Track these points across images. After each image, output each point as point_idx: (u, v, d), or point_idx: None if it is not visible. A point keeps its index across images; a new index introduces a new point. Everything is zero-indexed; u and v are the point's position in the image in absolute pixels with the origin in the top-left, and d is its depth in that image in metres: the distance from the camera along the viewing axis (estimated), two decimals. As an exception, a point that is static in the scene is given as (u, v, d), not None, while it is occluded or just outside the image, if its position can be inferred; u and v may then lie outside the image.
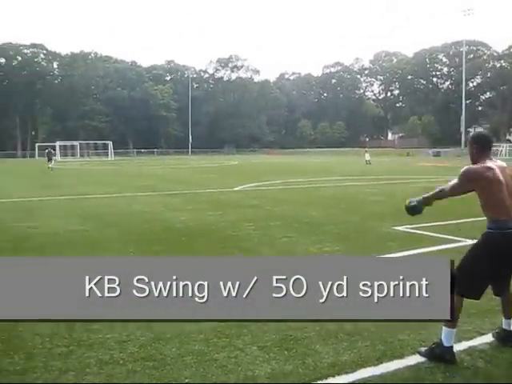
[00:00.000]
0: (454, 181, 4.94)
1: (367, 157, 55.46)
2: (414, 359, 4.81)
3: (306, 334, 5.37)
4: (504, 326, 5.21)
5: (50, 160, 47.58)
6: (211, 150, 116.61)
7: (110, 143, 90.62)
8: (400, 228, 12.00)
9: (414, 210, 5.41)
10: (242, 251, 9.60)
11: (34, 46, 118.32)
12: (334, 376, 4.44)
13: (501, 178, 4.76)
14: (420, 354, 4.86)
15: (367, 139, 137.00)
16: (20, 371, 4.57)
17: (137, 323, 5.69)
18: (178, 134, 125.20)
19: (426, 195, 5.28)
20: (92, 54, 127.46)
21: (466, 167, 4.88)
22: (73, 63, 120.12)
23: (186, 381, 4.37)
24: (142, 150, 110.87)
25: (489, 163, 4.82)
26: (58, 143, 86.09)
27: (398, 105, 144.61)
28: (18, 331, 5.51)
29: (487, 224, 4.86)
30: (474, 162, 4.94)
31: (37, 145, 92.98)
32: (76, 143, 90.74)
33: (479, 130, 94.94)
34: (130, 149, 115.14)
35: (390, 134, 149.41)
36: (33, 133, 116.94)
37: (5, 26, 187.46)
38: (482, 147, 4.94)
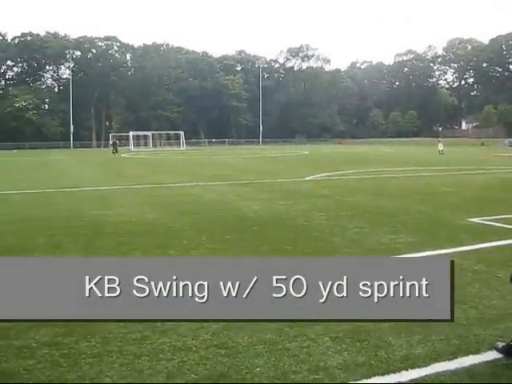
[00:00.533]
0: None
1: (440, 147, 54.26)
2: (491, 355, 4.68)
3: (379, 326, 5.30)
4: None
5: (115, 150, 51.09)
6: (282, 139, 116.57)
7: (182, 133, 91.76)
8: (475, 220, 11.71)
9: None
10: (314, 241, 9.58)
11: (107, 38, 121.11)
12: (406, 369, 4.38)
13: None
14: (497, 349, 4.73)
15: (440, 129, 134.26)
16: (96, 354, 4.71)
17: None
18: (248, 123, 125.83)
19: None
20: (164, 46, 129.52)
21: None
22: (145, 55, 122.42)
23: (258, 369, 4.40)
24: (213, 140, 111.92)
25: None
26: (131, 133, 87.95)
27: (472, 93, 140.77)
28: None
29: None
30: None
31: (111, 135, 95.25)
32: (148, 133, 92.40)
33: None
34: (202, 138, 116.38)
35: (464, 124, 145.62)
36: (107, 123, 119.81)
37: (80, 19, 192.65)
38: None
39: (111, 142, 53.55)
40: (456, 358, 4.61)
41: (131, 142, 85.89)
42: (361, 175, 25.47)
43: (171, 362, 4.56)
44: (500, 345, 4.77)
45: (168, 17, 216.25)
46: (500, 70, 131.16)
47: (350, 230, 10.61)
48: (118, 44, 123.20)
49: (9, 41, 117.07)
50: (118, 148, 59.54)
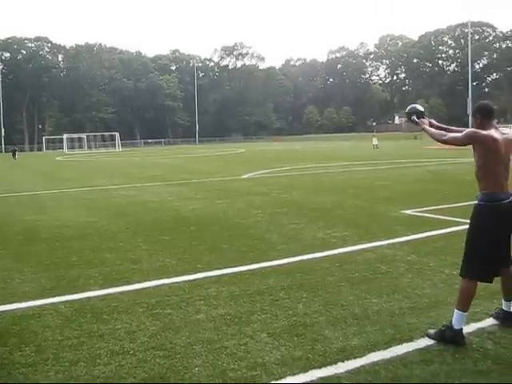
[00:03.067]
0: (458, 134, 4.98)
1: (374, 141, 55.30)
2: (424, 342, 4.80)
3: (315, 320, 5.39)
4: (504, 308, 5.23)
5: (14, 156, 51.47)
6: (218, 138, 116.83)
7: (117, 134, 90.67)
8: (408, 212, 12.00)
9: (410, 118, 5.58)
10: (250, 238, 9.62)
11: (38, 39, 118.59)
12: (343, 361, 4.44)
13: (501, 149, 4.77)
14: (429, 336, 4.87)
15: (374, 123, 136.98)
16: (31, 363, 4.60)
17: (145, 313, 5.75)
18: (184, 123, 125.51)
19: (425, 126, 5.40)
20: (96, 46, 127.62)
21: (472, 129, 4.92)
22: (78, 55, 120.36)
23: (196, 369, 4.38)
24: (149, 141, 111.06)
25: (494, 133, 4.81)
26: (65, 136, 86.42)
27: (404, 88, 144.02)
28: (28, 324, 5.56)
29: (479, 197, 4.90)
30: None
31: (44, 138, 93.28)
32: (83, 135, 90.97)
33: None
34: (137, 139, 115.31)
35: (396, 118, 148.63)
36: (40, 126, 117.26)
37: (9, 19, 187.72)
38: (485, 117, 4.93)
39: (11, 149, 55.57)
40: (390, 347, 4.71)
41: (65, 144, 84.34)
42: (297, 171, 25.70)
43: (108, 366, 4.50)
44: (432, 332, 4.91)
45: (100, 16, 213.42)
46: (430, 65, 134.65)
47: (286, 227, 10.69)
48: (49, 45, 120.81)
49: None
50: (17, 155, 59.59)
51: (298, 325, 5.27)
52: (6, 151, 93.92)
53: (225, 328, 5.26)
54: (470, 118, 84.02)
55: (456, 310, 4.85)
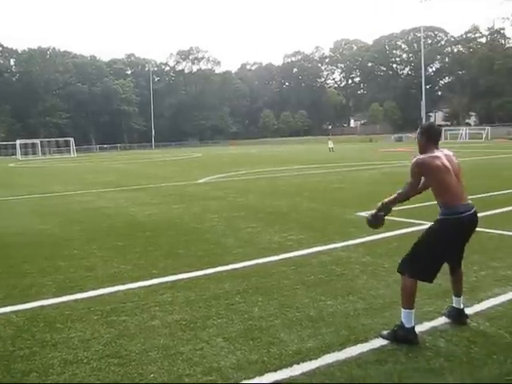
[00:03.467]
0: (407, 181, 5.09)
1: (330, 144, 55.86)
2: (378, 342, 4.87)
3: (271, 323, 5.40)
4: (455, 305, 5.33)
5: None
6: (175, 142, 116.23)
7: (72, 140, 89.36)
8: (363, 214, 12.08)
9: (375, 221, 5.46)
10: (206, 243, 9.59)
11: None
12: (298, 363, 4.47)
13: (448, 165, 4.94)
14: (383, 336, 4.93)
15: (330, 127, 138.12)
16: (-19, 375, 4.50)
17: (99, 320, 5.68)
18: (140, 128, 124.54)
19: (385, 200, 5.37)
20: (50, 50, 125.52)
21: (413, 160, 5.05)
22: (30, 59, 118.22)
23: (152, 375, 4.36)
24: (105, 146, 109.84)
25: (436, 152, 5.00)
26: (18, 142, 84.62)
27: (359, 92, 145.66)
28: (-21, 335, 5.44)
29: (440, 210, 5.02)
30: (421, 151, 5.11)
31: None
32: (37, 141, 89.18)
33: (431, 120, 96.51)
34: (93, 145, 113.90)
35: (352, 121, 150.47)
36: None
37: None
38: (429, 138, 5.09)
39: None
40: (345, 348, 4.75)
41: (18, 150, 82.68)
42: (253, 175, 25.75)
43: (62, 376, 4.44)
44: (385, 332, 4.97)
45: (54, 20, 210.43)
46: (384, 69, 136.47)
47: (242, 231, 10.70)
48: (1, 48, 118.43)
49: None
50: None
51: (254, 328, 5.29)
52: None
53: (180, 333, 5.24)
54: (424, 120, 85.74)
55: (402, 309, 4.93)
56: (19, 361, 4.77)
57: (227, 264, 7.89)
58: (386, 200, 5.35)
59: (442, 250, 4.96)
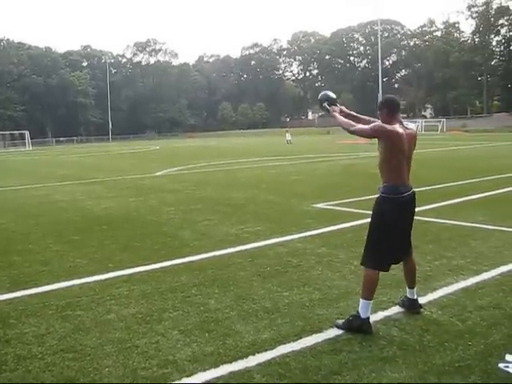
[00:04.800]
0: (365, 126, 5.10)
1: (288, 136, 56.06)
2: (333, 332, 4.93)
3: (227, 315, 5.43)
4: (408, 295, 5.43)
5: None
6: (132, 135, 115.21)
7: (27, 133, 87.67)
8: (319, 205, 12.24)
9: (321, 105, 5.69)
10: (163, 236, 9.55)
11: None
12: (254, 354, 4.50)
13: (404, 145, 4.98)
14: (337, 326, 5.00)
15: (288, 119, 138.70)
16: None
17: (54, 315, 5.62)
18: (97, 120, 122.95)
19: (343, 109, 5.62)
20: (4, 41, 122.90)
21: (378, 122, 5.06)
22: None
23: (107, 370, 4.34)
24: (61, 139, 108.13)
25: (399, 128, 4.99)
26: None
27: (317, 84, 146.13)
28: None
29: (382, 187, 5.09)
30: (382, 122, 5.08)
31: None
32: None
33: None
34: (49, 137, 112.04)
35: (310, 114, 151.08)
36: None
37: None
38: (390, 110, 5.08)
39: None
40: (300, 338, 4.80)
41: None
42: (211, 168, 25.71)
43: (15, 372, 4.38)
44: (340, 322, 5.04)
45: (6, 10, 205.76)
46: (341, 61, 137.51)
47: (199, 223, 10.68)
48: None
49: None
50: None
51: (210, 320, 5.30)
52: None
53: (136, 327, 5.22)
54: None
55: (361, 300, 5.01)
56: (-29, 358, 4.70)
57: (184, 257, 7.88)
58: (336, 114, 5.53)
59: (389, 230, 5.02)
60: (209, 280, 6.65)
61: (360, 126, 5.20)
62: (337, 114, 5.46)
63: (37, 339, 5.03)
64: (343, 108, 5.61)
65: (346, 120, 5.34)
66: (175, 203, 13.65)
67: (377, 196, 5.15)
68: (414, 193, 5.13)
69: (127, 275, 7.01)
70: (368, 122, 5.23)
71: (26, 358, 4.64)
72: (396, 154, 4.94)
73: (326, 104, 5.59)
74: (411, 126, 5.17)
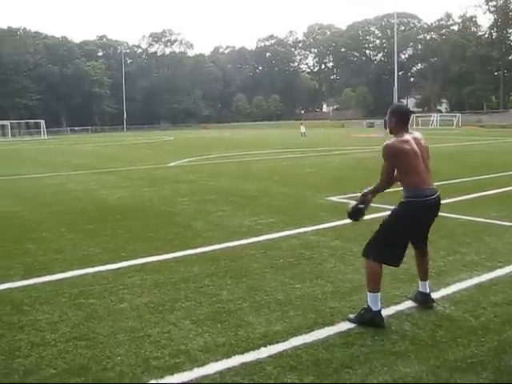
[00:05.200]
0: (382, 176, 5.11)
1: (302, 129, 55.95)
2: (345, 325, 4.91)
3: (239, 306, 5.43)
4: (421, 289, 5.41)
5: None
6: (147, 125, 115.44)
7: (43, 122, 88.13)
8: (333, 198, 12.21)
9: (356, 215, 5.44)
10: (176, 226, 9.58)
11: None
12: (265, 346, 4.50)
13: (416, 149, 4.99)
14: (349, 320, 4.98)
15: (303, 112, 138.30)
16: None
17: (68, 303, 5.65)
18: (112, 110, 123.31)
19: (365, 191, 5.34)
20: (20, 30, 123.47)
21: (384, 145, 5.06)
22: (0, 40, 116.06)
23: (119, 358, 4.35)
24: (76, 128, 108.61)
25: (406, 136, 5.03)
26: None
27: (332, 77, 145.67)
28: None
29: (404, 193, 5.07)
30: (391, 133, 5.16)
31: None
32: (6, 123, 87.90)
33: (400, 102, 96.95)
34: (64, 127, 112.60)
35: (325, 106, 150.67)
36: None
37: None
38: (399, 119, 5.12)
39: None
40: (312, 331, 4.80)
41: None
42: (225, 159, 25.74)
43: (28, 358, 4.41)
44: (351, 315, 5.03)
45: (24, 0, 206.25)
46: (357, 54, 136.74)
47: (212, 214, 10.70)
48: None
49: None
50: None
51: (222, 311, 5.31)
52: None
53: (148, 316, 5.24)
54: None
55: (368, 293, 4.99)
56: (-14, 344, 4.73)
57: (197, 247, 7.90)
58: (365, 191, 5.33)
59: (405, 232, 5.03)
60: (221, 271, 6.66)
61: (379, 182, 5.17)
62: (370, 196, 5.37)
63: (50, 326, 5.07)
64: (366, 191, 5.44)
65: (378, 188, 5.26)
66: (189, 194, 13.67)
67: (401, 201, 5.11)
68: (438, 197, 5.10)
69: (140, 265, 7.04)
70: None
71: (39, 344, 4.67)
72: (411, 160, 4.94)
73: (360, 206, 5.41)
74: (416, 134, 5.17)
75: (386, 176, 5.10)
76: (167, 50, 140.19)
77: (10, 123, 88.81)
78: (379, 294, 4.97)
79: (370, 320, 4.87)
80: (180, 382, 3.99)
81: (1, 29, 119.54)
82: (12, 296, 5.97)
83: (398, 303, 5.45)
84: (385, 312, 5.04)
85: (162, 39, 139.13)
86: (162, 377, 4.05)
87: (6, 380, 4.09)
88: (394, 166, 5.03)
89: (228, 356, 4.35)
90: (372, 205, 5.44)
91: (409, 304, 5.43)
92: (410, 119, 5.27)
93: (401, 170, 5.03)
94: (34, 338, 4.82)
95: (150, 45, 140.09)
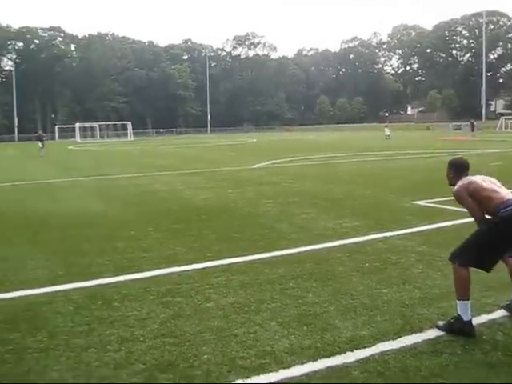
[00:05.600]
0: (468, 210, 5.11)
1: (387, 132, 55.18)
2: (434, 333, 4.79)
3: (325, 309, 5.39)
4: None
5: (42, 144, 41.97)
6: (230, 128, 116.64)
7: (129, 124, 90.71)
8: (420, 202, 11.94)
9: None
10: (261, 228, 9.62)
11: (51, 29, 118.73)
12: (352, 350, 4.44)
13: (482, 182, 5.07)
14: (438, 327, 4.85)
15: (386, 114, 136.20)
16: (43, 349, 4.63)
17: (155, 300, 5.77)
18: (196, 112, 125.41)
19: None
20: (109, 35, 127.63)
21: (454, 192, 5.23)
22: (90, 45, 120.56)
23: (205, 356, 4.40)
24: (161, 130, 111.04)
25: (468, 177, 5.19)
26: (77, 125, 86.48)
27: (417, 79, 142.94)
28: (40, 310, 5.60)
29: (494, 211, 4.90)
30: (450, 183, 5.39)
31: (56, 127, 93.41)
32: (95, 124, 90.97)
33: (491, 108, 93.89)
34: (149, 129, 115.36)
35: (409, 109, 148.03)
36: (52, 115, 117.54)
37: (22, 9, 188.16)
38: (457, 172, 5.33)
39: (36, 135, 43.78)
40: (400, 337, 4.70)
41: (78, 133, 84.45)
42: (309, 161, 25.67)
43: (119, 352, 4.52)
44: (441, 323, 4.89)
45: (112, 6, 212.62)
46: (443, 55, 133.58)
47: (297, 216, 10.68)
48: (62, 34, 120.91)
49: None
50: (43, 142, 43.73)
51: (308, 314, 5.28)
52: (19, 140, 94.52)
53: (234, 316, 5.27)
54: (484, 108, 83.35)
55: (458, 301, 4.84)
56: (78, 336, 4.90)
57: (282, 249, 7.90)
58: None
59: (498, 242, 4.85)
60: (307, 273, 6.63)
61: (475, 220, 5.14)
62: None
63: (139, 322, 5.19)
64: None
65: (479, 222, 5.11)
66: (273, 196, 13.71)
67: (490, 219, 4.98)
68: None
69: (226, 265, 7.09)
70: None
71: (128, 339, 4.79)
72: (482, 192, 4.99)
73: None
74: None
75: (475, 212, 5.06)
76: (250, 53, 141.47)
77: (99, 125, 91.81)
78: (469, 302, 4.81)
79: (459, 329, 4.72)
80: (266, 382, 3.99)
81: (90, 34, 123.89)
82: (103, 292, 6.15)
83: (490, 312, 5.26)
84: (475, 320, 4.87)
85: (246, 42, 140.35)
86: (247, 377, 4.06)
87: (98, 372, 4.21)
88: (474, 201, 5.01)
89: (314, 359, 4.31)
90: (458, 209, 5.33)
91: (501, 313, 5.23)
92: (468, 169, 5.36)
93: (479, 202, 4.99)
94: (123, 333, 4.94)
95: (234, 48, 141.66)
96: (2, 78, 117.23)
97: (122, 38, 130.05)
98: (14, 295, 6.14)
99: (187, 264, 7.19)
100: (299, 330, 4.90)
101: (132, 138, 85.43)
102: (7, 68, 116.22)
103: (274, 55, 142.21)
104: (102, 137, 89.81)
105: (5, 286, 6.51)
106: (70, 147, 55.58)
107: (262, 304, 5.58)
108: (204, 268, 6.99)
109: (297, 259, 7.32)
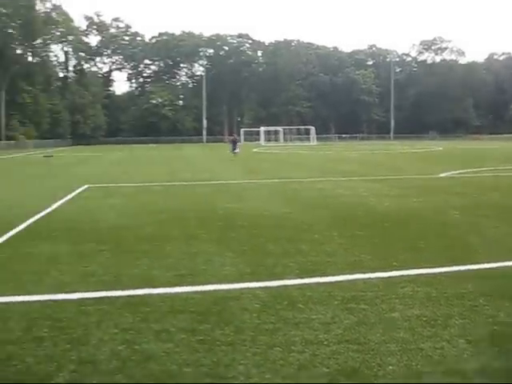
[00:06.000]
0: None
1: None
2: None
3: (524, 331, 5.06)
4: None
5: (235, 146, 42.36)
6: (413, 134, 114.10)
7: (313, 128, 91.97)
8: None
9: None
10: (448, 239, 9.30)
11: (239, 36, 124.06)
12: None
13: None
14: None
15: None
16: (230, 342, 4.81)
17: (339, 306, 5.76)
18: (380, 118, 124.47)
19: None
20: (294, 42, 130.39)
21: None
22: (276, 51, 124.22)
23: (390, 367, 4.30)
24: (344, 135, 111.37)
25: None
26: (262, 128, 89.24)
27: None
28: (228, 305, 5.84)
29: None
30: None
31: (242, 130, 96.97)
32: (279, 128, 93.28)
33: None
34: (332, 134, 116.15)
35: None
36: (238, 118, 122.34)
37: (213, 18, 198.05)
38: None
39: (231, 138, 44.70)
40: None
41: (262, 137, 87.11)
42: (499, 172, 24.38)
43: (303, 354, 4.56)
44: None
45: (298, 13, 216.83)
46: None
47: (488, 230, 10.15)
48: (250, 41, 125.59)
49: (147, 41, 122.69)
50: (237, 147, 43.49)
51: (499, 334, 4.99)
52: (206, 141, 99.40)
53: (420, 329, 5.11)
54: None
55: None
56: (264, 334, 5.02)
57: (470, 263, 7.56)
58: None
59: None
60: (498, 291, 6.28)
61: None
62: None
63: (323, 326, 5.20)
64: None
65: None
66: (460, 206, 13.16)
67: None
68: None
69: (412, 275, 6.90)
70: None
71: (313, 342, 4.81)
72: None
73: None
74: None
75: None
76: (437, 58, 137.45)
77: (283, 129, 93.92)
78: None
79: None
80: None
81: (277, 40, 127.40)
82: (288, 293, 6.26)
83: None
84: None
85: (432, 47, 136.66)
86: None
87: (283, 371, 4.27)
88: None
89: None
90: None
91: None
92: None
93: None
94: (307, 335, 4.98)
95: (420, 53, 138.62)
96: (194, 82, 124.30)
97: (308, 43, 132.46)
98: (205, 289, 6.44)
99: (371, 272, 7.11)
100: (490, 350, 4.64)
101: (315, 143, 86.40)
102: (198, 73, 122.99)
103: (461, 60, 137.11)
104: (285, 140, 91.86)
105: (198, 279, 6.85)
106: (254, 150, 57.45)
107: (450, 319, 5.37)
108: (389, 277, 6.87)
109: (487, 275, 6.95)
